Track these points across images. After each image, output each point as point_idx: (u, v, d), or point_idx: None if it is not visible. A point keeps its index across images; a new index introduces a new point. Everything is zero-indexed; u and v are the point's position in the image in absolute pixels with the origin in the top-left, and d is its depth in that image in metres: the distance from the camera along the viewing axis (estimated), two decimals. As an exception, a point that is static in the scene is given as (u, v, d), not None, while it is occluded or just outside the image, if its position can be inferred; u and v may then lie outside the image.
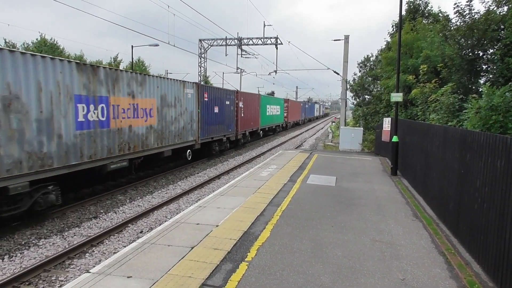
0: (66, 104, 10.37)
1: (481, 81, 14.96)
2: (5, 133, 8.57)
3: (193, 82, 18.87)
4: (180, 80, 17.52)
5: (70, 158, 10.52)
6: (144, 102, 14.29)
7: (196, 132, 18.99)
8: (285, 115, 46.14)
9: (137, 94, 13.75)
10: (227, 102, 23.92)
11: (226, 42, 38.24)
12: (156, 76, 15.63)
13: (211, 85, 22.11)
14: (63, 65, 10.29)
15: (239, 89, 23.47)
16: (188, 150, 18.52)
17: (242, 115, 27.23)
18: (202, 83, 30.42)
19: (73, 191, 12.29)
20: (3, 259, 7.69)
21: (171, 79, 16.84)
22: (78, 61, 11.23)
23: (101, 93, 11.83)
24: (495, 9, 14.30)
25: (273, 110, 38.70)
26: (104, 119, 11.98)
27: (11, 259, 7.70)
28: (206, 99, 20.36)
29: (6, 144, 8.59)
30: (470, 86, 14.92)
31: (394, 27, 26.16)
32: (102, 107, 11.93)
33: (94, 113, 11.56)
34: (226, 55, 38.97)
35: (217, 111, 22.02)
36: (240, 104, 26.86)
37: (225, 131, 23.51)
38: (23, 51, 9.26)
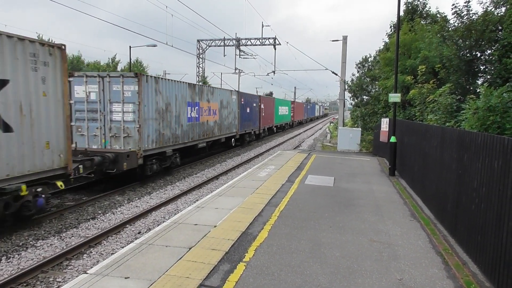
0: (184, 107, 17.64)
1: (479, 82, 15.02)
2: (166, 123, 15.94)
3: (236, 91, 26.49)
4: (229, 90, 25.17)
5: (184, 139, 17.83)
6: (213, 105, 21.53)
7: (237, 126, 26.36)
8: (292, 114, 52.65)
9: (210, 100, 20.93)
10: (254, 104, 31.04)
11: (224, 43, 38.20)
12: (218, 88, 23.42)
13: (209, 85, 26.17)
14: (183, 85, 17.69)
15: (238, 90, 28.39)
16: (232, 138, 25.74)
17: (263, 114, 34.27)
18: (200, 83, 33.98)
19: (71, 191, 12.26)
20: (0, 260, 7.67)
21: (226, 89, 24.71)
22: (189, 82, 18.57)
23: (196, 100, 19.06)
24: (493, 10, 14.36)
25: (283, 110, 45.79)
26: (197, 116, 19.22)
27: (8, 260, 7.68)
28: (243, 103, 27.60)
29: (165, 129, 15.95)
30: (468, 86, 14.97)
31: (392, 27, 26.22)
32: (197, 109, 19.15)
33: (193, 112, 18.73)
34: (224, 56, 38.86)
35: (249, 111, 29.39)
36: (262, 106, 33.59)
37: (253, 126, 30.90)
38: (171, 79, 17.04)
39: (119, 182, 14.21)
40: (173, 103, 16.47)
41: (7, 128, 8.37)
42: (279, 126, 43.37)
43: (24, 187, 8.79)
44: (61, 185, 10.10)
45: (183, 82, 17.78)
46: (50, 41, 41.02)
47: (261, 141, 33.58)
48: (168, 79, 16.60)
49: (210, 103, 20.89)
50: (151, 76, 15.06)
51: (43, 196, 9.52)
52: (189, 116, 18.13)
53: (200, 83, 20.54)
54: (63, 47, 9.93)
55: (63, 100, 9.95)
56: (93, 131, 14.19)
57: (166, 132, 15.96)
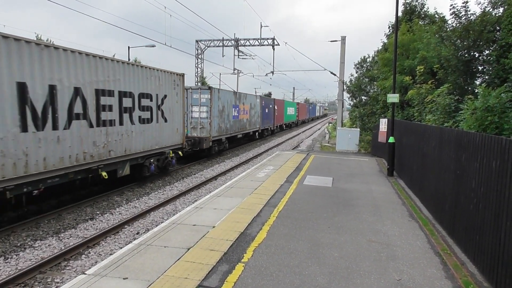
0: (231, 108, 24.87)
1: (477, 82, 15.05)
2: (222, 120, 22.96)
3: (259, 95, 36.39)
4: (255, 95, 33.86)
5: (230, 131, 25.04)
6: (246, 107, 28.99)
7: (259, 123, 33.87)
8: (297, 114, 60.11)
9: (244, 103, 28.51)
10: (270, 106, 38.63)
11: (223, 43, 38.17)
12: (249, 94, 30.52)
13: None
14: (231, 93, 25.34)
15: (236, 90, 31.33)
16: (256, 132, 33.21)
17: (276, 114, 41.48)
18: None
19: (70, 193, 12.26)
20: (-2, 260, 7.65)
21: (253, 94, 33.06)
22: (234, 91, 26.24)
23: (237, 103, 26.55)
24: (490, 10, 14.39)
25: (290, 111, 53.16)
26: (237, 115, 26.56)
27: (6, 261, 7.66)
28: (263, 104, 35.22)
29: (222, 123, 23.07)
30: (466, 87, 14.99)
31: (390, 28, 26.25)
32: (237, 109, 26.47)
33: (235, 112, 26.05)
34: (223, 56, 38.79)
35: (267, 112, 37.10)
36: (276, 107, 40.98)
37: (269, 124, 38.50)
38: (225, 89, 24.63)
39: (117, 183, 14.19)
40: (226, 106, 24.00)
41: (166, 120, 15.71)
42: (287, 124, 50.99)
43: (170, 152, 16.34)
44: (181, 153, 17.44)
45: (231, 91, 25.92)
46: (51, 41, 41.01)
47: (274, 136, 41.08)
48: (224, 90, 24.20)
49: (244, 105, 28.72)
50: (217, 89, 22.81)
51: (174, 158, 16.83)
52: (233, 115, 25.79)
53: (236, 91, 28.24)
54: (183, 74, 17.29)
55: (182, 105, 17.24)
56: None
57: (222, 125, 23.53)
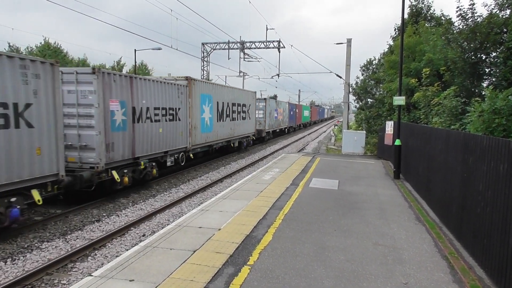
0: (273, 111, 37.62)
1: (484, 84, 14.94)
2: (269, 119, 35.39)
3: (288, 102, 47.50)
4: (286, 102, 46.44)
5: (273, 127, 37.66)
6: (281, 110, 41.58)
7: (287, 122, 45.79)
8: (310, 116, 74.69)
9: (280, 108, 41.30)
10: (293, 109, 50.89)
11: (228, 46, 38.24)
12: (283, 101, 44.33)
13: (263, 97, 40.41)
14: (273, 100, 40.39)
15: (290, 101, 51.29)
16: (286, 129, 45.56)
17: (297, 116, 54.48)
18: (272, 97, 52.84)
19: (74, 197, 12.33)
20: (5, 262, 7.70)
21: (285, 102, 45.99)
22: (276, 99, 46.84)
23: (277, 108, 39.47)
24: (497, 12, 14.29)
25: (306, 113, 67.57)
26: (277, 115, 39.25)
27: (13, 262, 7.71)
28: (290, 108, 47.20)
29: (269, 121, 35.28)
30: (473, 89, 14.90)
31: (396, 30, 26.19)
32: (277, 112, 39.34)
33: (276, 114, 38.80)
34: (228, 59, 38.90)
35: (292, 114, 49.06)
36: (297, 110, 54.50)
37: (293, 123, 50.27)
38: (272, 98, 45.04)
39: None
40: (272, 110, 36.31)
41: (250, 118, 27.57)
42: (303, 124, 64.84)
43: (250, 136, 28.33)
44: (254, 138, 28.24)
45: (274, 99, 38.36)
46: (56, 44, 41.24)
47: (290, 134, 49.09)
48: (271, 99, 37.58)
49: (280, 109, 41.35)
50: (268, 98, 35.68)
51: (251, 140, 28.89)
52: (275, 116, 38.27)
53: (276, 98, 45.89)
54: (255, 92, 30.19)
55: (254, 109, 28.90)
56: None
57: (270, 123, 35.38)
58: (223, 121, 22.01)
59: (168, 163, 16.02)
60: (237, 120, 24.72)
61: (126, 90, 12.76)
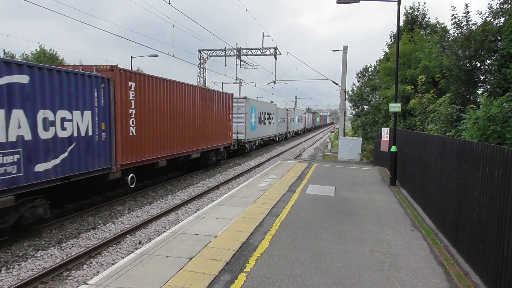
0: (291, 119, 53.35)
1: (479, 92, 15.04)
2: (290, 125, 52.60)
3: (306, 110, 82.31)
4: (303, 110, 76.14)
5: (297, 129, 60.04)
6: (298, 117, 60.97)
7: (304, 126, 67.90)
8: (319, 121, 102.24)
9: (299, 115, 62.48)
10: (309, 116, 79.11)
11: (225, 53, 38.35)
12: (301, 110, 71.65)
13: (287, 107, 54.94)
14: (293, 110, 56.41)
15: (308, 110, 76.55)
16: (302, 130, 66.09)
17: (312, 121, 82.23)
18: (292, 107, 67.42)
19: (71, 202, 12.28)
20: (0, 271, 7.64)
21: (302, 109, 76.86)
22: (301, 109, 76.16)
23: (301, 115, 65.65)
24: (492, 20, 14.44)
25: (316, 119, 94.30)
26: (297, 122, 59.51)
27: (8, 271, 7.65)
28: (306, 114, 73.06)
29: (290, 127, 52.77)
30: (468, 96, 15.01)
31: (392, 38, 26.38)
32: (294, 118, 56.17)
33: (297, 121, 59.31)
34: (225, 66, 38.95)
35: (309, 120, 78.40)
36: (311, 117, 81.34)
37: (310, 126, 79.37)
38: (300, 108, 78.80)
39: (116, 191, 14.21)
40: (294, 117, 54.36)
41: (273, 123, 39.59)
42: (315, 127, 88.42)
43: (276, 136, 42.21)
44: (277, 139, 42.09)
45: (301, 109, 70.56)
46: (52, 51, 41.25)
47: (302, 136, 62.97)
48: (298, 109, 66.79)
49: (298, 116, 59.42)
50: (292, 108, 57.09)
51: (276, 139, 42.75)
52: (296, 122, 56.86)
53: (300, 108, 69.58)
54: (276, 104, 45.20)
55: (276, 117, 41.02)
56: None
57: (290, 128, 50.80)
58: (260, 124, 32.95)
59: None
60: (264, 125, 34.65)
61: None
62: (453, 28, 15.24)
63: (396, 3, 13.43)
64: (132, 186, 13.26)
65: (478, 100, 13.35)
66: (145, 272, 5.85)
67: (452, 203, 7.50)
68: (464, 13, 14.59)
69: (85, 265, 8.04)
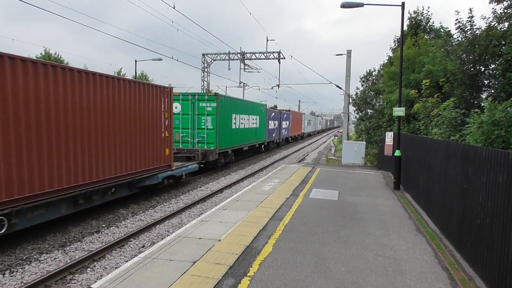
0: (306, 121, 63.56)
1: (483, 96, 15.03)
2: (308, 126, 67.15)
3: (316, 115, 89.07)
4: (315, 115, 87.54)
5: (310, 131, 71.74)
6: (317, 121, 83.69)
7: (314, 129, 77.47)
8: (329, 124, 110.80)
9: (317, 120, 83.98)
10: (320, 120, 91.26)
11: (229, 57, 38.48)
12: (313, 115, 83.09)
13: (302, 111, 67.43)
14: (308, 115, 71.27)
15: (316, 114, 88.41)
16: (313, 132, 75.99)
17: (322, 125, 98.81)
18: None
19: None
20: (4, 274, 7.66)
21: (316, 115, 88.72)
22: (312, 114, 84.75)
23: (315, 119, 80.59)
24: (496, 25, 14.43)
25: (327, 123, 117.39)
26: (311, 125, 72.23)
27: (12, 275, 7.67)
28: (315, 119, 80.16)
29: (307, 130, 66.21)
30: (472, 100, 14.98)
31: (396, 42, 26.36)
32: (305, 122, 61.56)
33: (308, 123, 67.53)
34: (229, 70, 39.04)
35: (318, 124, 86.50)
36: (323, 121, 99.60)
37: (318, 129, 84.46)
38: (318, 115, 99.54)
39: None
40: (312, 120, 72.14)
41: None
42: (326, 128, 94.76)
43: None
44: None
45: (319, 116, 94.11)
46: (57, 55, 41.49)
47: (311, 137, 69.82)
48: (316, 115, 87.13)
49: (316, 120, 77.96)
50: (307, 113, 69.56)
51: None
52: (305, 125, 61.05)
53: (315, 114, 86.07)
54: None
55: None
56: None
57: (306, 131, 63.47)
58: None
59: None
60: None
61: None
62: (457, 32, 15.27)
63: (400, 7, 13.46)
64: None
65: (482, 105, 13.32)
66: (149, 276, 5.86)
67: (457, 207, 7.47)
68: (468, 18, 14.61)
69: (88, 269, 8.05)
